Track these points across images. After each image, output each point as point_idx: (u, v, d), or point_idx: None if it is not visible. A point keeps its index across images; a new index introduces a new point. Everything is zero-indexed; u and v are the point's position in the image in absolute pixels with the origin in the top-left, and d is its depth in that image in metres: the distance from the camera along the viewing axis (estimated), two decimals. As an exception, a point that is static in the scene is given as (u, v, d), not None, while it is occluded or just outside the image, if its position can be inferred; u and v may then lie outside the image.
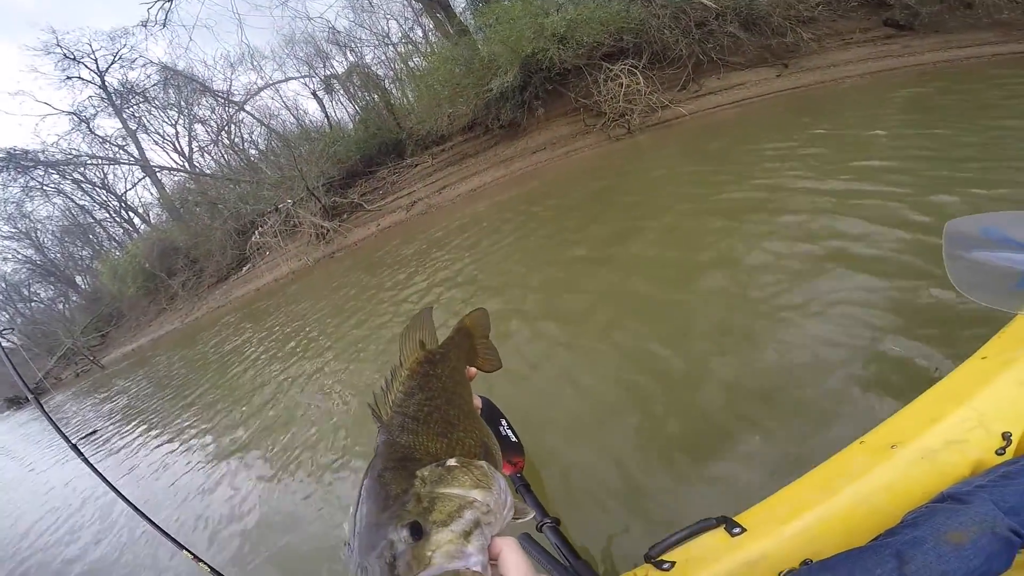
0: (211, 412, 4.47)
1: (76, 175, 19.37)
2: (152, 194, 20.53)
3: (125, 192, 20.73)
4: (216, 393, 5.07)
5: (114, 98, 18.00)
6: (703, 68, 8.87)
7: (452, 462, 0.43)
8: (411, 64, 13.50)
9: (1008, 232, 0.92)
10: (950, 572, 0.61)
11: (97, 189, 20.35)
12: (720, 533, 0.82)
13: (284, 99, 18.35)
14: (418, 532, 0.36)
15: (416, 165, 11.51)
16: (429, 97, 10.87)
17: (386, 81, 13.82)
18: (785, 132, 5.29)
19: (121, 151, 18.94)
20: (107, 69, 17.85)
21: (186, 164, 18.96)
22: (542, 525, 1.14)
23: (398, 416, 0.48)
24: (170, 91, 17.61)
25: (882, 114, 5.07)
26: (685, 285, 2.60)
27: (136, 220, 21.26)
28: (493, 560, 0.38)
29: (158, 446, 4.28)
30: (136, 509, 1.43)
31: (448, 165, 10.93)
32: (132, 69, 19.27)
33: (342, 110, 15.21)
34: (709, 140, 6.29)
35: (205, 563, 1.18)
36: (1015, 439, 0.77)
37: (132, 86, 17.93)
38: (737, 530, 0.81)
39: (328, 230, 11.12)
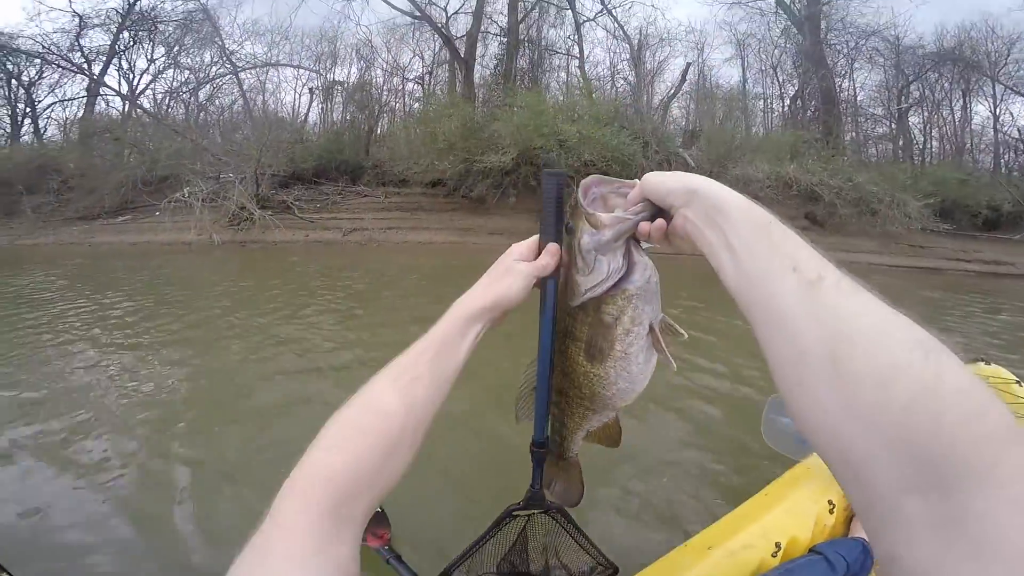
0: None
1: (13, 67, 16.53)
2: (68, 116, 17.84)
3: (41, 100, 17.78)
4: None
5: (132, 17, 16.36)
6: (656, 218, 9.61)
7: None
8: (418, 105, 13.61)
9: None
10: None
11: (19, 87, 17.29)
12: None
13: (271, 82, 17.44)
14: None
15: (365, 196, 11.07)
16: (424, 142, 10.71)
17: (382, 108, 13.72)
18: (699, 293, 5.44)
19: (86, 64, 16.64)
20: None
21: (129, 102, 16.92)
22: None
23: None
24: (181, 30, 16.25)
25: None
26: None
27: (25, 129, 18.03)
28: None
29: None
30: None
31: (399, 209, 10.55)
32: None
33: (318, 114, 14.79)
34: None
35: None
36: (783, 547, 1.10)
37: (156, 13, 16.51)
38: None
39: (254, 215, 9.89)
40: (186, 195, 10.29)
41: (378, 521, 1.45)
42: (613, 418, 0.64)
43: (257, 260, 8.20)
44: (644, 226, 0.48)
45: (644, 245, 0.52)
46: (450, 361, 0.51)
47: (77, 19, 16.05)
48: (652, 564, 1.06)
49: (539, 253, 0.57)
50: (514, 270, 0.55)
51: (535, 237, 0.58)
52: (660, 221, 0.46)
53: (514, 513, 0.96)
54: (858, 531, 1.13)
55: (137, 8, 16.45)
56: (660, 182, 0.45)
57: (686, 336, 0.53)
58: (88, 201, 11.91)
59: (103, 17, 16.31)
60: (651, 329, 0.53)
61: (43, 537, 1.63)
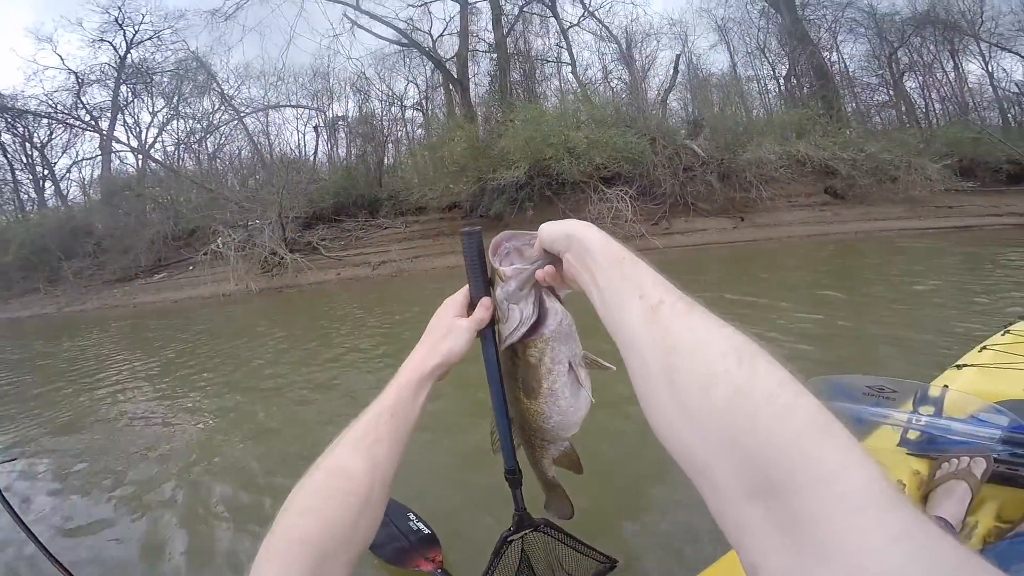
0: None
1: (23, 129, 17.39)
2: (84, 176, 18.70)
3: (56, 162, 18.58)
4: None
5: (125, 71, 17.19)
6: (677, 209, 9.83)
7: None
8: (420, 131, 13.98)
9: (847, 388, 1.38)
10: None
11: (32, 149, 18.09)
12: None
13: (273, 124, 17.87)
14: None
15: (386, 228, 11.34)
16: (435, 167, 10.96)
17: (386, 138, 14.06)
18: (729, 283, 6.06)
19: (93, 121, 17.44)
20: (139, 42, 17.31)
21: (142, 156, 17.59)
22: None
23: None
24: (177, 80, 16.89)
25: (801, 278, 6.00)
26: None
27: (48, 192, 18.85)
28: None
29: None
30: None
31: (421, 237, 10.86)
32: (163, 51, 17.86)
33: (324, 152, 15.17)
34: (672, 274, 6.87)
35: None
36: None
37: (148, 66, 17.23)
38: None
39: (285, 260, 10.25)
40: (220, 246, 10.60)
41: (429, 544, 1.42)
42: (568, 447, 0.69)
43: (296, 304, 8.46)
44: (540, 273, 0.53)
45: (563, 293, 0.57)
46: (406, 421, 0.54)
47: (73, 76, 16.93)
48: (720, 559, 1.06)
49: (471, 306, 0.61)
50: (456, 328, 0.58)
51: (465, 289, 0.62)
52: (550, 267, 0.52)
53: (508, 539, 1.03)
54: (935, 510, 1.10)
55: (129, 61, 17.23)
56: (549, 231, 0.50)
57: (614, 369, 0.55)
58: (124, 261, 12.41)
59: (98, 73, 17.21)
60: (571, 367, 0.58)
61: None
